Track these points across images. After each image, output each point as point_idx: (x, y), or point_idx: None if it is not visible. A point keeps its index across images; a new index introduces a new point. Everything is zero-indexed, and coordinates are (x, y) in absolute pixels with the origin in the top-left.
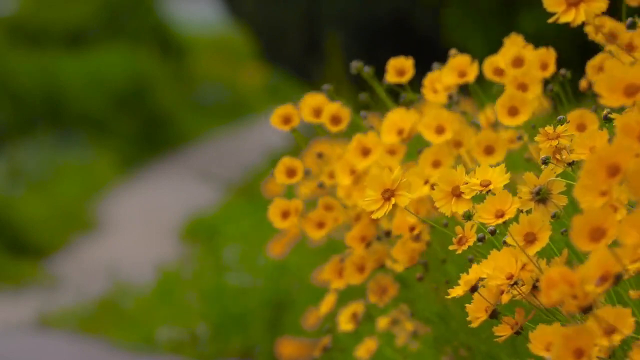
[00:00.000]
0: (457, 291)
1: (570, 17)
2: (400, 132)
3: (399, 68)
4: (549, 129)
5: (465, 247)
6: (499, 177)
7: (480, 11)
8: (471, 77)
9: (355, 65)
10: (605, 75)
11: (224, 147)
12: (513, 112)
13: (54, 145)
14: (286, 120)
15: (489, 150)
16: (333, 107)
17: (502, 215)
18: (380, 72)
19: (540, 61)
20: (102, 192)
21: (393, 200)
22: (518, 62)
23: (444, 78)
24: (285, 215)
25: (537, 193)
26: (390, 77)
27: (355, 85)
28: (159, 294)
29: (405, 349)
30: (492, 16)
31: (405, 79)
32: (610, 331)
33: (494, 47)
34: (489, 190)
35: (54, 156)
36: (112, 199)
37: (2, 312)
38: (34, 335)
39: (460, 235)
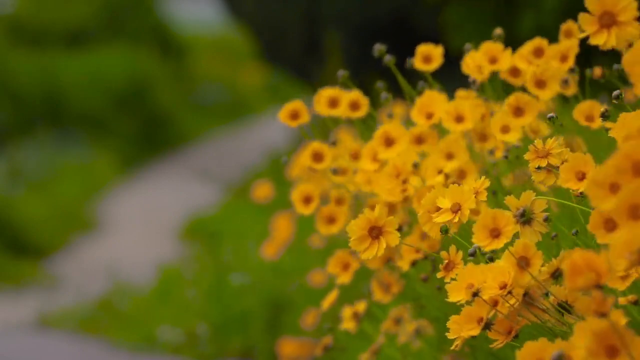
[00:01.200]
0: (457, 297)
1: (602, 39)
2: (429, 116)
3: (426, 55)
4: (538, 143)
5: (453, 275)
6: (467, 200)
7: (481, 12)
8: (504, 65)
9: (378, 48)
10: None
11: (224, 147)
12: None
13: (54, 145)
14: (294, 115)
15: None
16: (352, 95)
17: (497, 236)
18: (380, 72)
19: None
20: (102, 192)
21: (383, 242)
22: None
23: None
24: (307, 200)
25: (522, 215)
26: (418, 64)
27: (355, 84)
28: (159, 294)
29: (406, 347)
30: (493, 17)
31: (432, 67)
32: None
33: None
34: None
35: (54, 156)
36: (112, 199)
37: (2, 312)
38: (34, 335)
39: (447, 260)
